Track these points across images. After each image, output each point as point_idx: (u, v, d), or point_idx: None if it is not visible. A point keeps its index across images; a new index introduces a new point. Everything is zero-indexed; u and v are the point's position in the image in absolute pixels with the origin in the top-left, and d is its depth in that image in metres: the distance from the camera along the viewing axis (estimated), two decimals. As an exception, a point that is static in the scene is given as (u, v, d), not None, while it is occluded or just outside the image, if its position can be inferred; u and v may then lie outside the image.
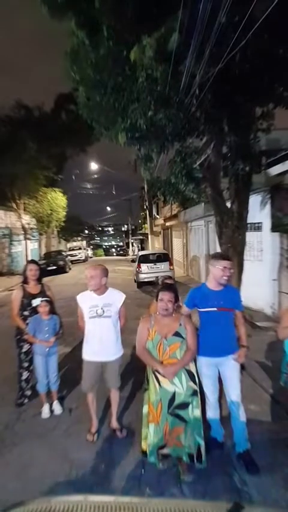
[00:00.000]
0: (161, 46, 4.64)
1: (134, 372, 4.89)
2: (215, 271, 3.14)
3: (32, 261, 4.83)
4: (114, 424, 3.69)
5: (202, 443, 2.91)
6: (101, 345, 3.55)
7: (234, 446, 3.13)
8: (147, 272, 13.91)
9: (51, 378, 4.20)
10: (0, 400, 4.56)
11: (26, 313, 4.36)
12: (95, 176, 36.95)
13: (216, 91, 5.52)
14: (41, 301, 4.20)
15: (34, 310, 4.32)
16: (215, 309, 3.11)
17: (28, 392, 4.48)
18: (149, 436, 2.93)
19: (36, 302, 4.30)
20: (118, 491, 2.81)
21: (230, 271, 3.14)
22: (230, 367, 3.15)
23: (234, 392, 3.11)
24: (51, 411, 4.14)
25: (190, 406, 2.89)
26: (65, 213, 27.98)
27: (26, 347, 4.42)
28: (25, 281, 4.50)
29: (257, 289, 7.99)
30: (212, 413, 3.27)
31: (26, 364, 4.45)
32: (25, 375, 4.48)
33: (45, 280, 4.80)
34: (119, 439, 3.54)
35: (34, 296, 4.38)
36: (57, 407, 4.18)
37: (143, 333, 3.04)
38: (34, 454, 3.36)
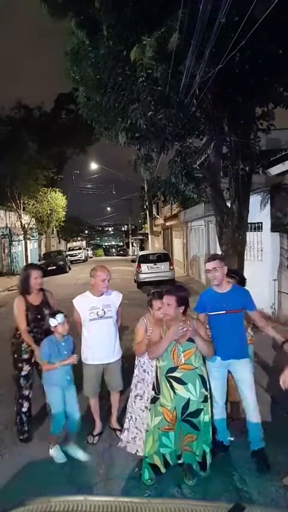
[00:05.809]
0: (161, 46, 4.64)
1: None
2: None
3: (34, 266, 4.03)
4: (114, 424, 3.69)
5: (208, 450, 2.87)
6: (104, 346, 3.49)
7: (249, 445, 3.13)
8: (148, 272, 13.90)
9: (72, 414, 3.23)
10: (0, 400, 4.55)
11: (28, 328, 3.58)
12: (95, 176, 36.93)
13: (216, 91, 5.53)
14: (63, 318, 3.23)
15: (37, 326, 3.60)
16: (224, 311, 3.10)
17: (27, 427, 3.67)
18: (169, 444, 2.84)
19: (54, 322, 3.22)
20: (118, 491, 2.81)
21: (216, 272, 3.10)
22: (242, 369, 3.13)
23: (249, 395, 3.10)
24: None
25: (202, 412, 2.85)
26: (64, 213, 28.00)
27: (26, 369, 3.61)
28: (26, 291, 3.64)
29: (257, 289, 7.96)
30: (220, 415, 3.25)
31: (26, 392, 3.62)
32: (26, 405, 3.64)
33: (44, 280, 4.57)
34: (119, 439, 3.53)
35: (37, 308, 3.63)
36: (80, 455, 3.20)
37: (156, 336, 2.94)
38: (34, 454, 3.35)
